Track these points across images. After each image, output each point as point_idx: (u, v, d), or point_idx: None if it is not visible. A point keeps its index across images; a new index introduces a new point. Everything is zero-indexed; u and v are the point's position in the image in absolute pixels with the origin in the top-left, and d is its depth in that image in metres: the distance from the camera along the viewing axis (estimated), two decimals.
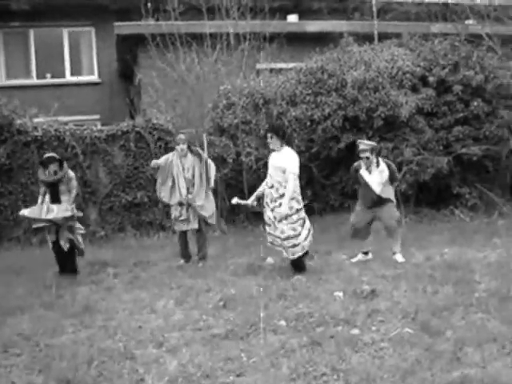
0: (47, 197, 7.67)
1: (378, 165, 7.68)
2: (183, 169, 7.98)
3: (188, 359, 4.55)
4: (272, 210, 7.10)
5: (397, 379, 3.99)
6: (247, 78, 11.90)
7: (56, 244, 7.64)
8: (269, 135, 7.23)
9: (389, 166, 7.77)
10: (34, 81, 17.32)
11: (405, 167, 10.89)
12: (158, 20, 12.18)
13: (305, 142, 11.15)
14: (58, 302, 6.46)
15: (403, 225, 10.40)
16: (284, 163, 7.04)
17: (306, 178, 11.42)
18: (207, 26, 12.00)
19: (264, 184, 7.39)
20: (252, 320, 5.41)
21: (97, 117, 16.62)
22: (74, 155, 10.66)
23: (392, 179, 7.85)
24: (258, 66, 13.25)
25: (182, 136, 8.05)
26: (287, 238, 7.02)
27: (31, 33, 17.33)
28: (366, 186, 7.72)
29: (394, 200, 7.92)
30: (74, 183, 7.84)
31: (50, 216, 7.42)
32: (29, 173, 10.39)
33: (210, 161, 8.26)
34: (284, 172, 7.00)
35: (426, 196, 11.53)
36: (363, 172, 7.71)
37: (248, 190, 10.58)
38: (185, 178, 7.98)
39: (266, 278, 7.06)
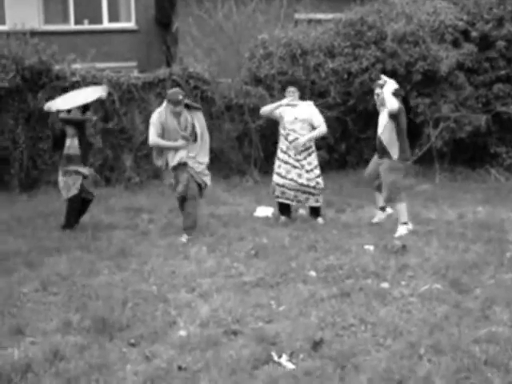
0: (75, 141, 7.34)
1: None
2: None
3: (219, 304, 4.67)
4: (299, 161, 7.41)
5: (424, 333, 4.05)
6: (285, 27, 11.73)
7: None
8: (292, 89, 7.62)
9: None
10: (72, 26, 17.33)
11: (442, 124, 10.73)
12: None
13: (341, 94, 11.03)
14: (95, 244, 6.64)
15: (436, 182, 10.35)
16: (311, 116, 7.47)
17: (341, 131, 11.37)
18: None
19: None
20: (282, 269, 5.50)
21: (134, 64, 16.61)
22: (111, 102, 10.74)
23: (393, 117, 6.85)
24: (297, 16, 13.05)
25: (180, 96, 6.78)
26: (316, 187, 7.46)
27: None
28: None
29: (395, 156, 6.88)
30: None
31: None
32: None
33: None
34: (310, 125, 7.45)
35: (461, 154, 11.38)
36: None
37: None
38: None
39: (297, 229, 7.13)
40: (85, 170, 7.36)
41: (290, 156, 7.44)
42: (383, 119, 6.96)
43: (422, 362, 3.63)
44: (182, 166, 6.81)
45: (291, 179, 7.41)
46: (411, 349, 3.80)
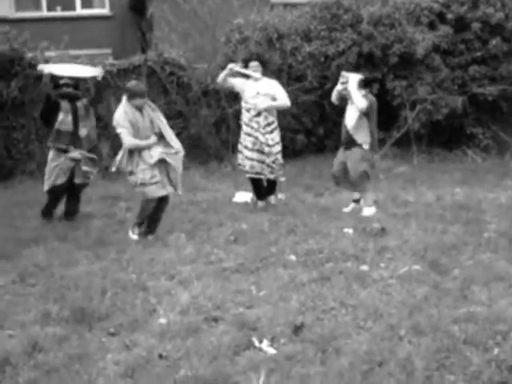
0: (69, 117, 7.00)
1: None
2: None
3: (199, 291, 4.65)
4: (263, 135, 7.43)
5: (404, 315, 4.07)
6: (261, 12, 11.64)
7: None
8: (255, 64, 7.59)
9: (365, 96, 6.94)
10: (44, 13, 17.02)
11: (419, 106, 10.77)
12: None
13: (318, 78, 11.01)
14: (72, 234, 6.56)
15: (414, 164, 10.41)
16: (274, 90, 7.50)
17: (319, 115, 11.35)
18: None
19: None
20: (262, 254, 5.50)
21: (108, 51, 16.37)
22: (85, 89, 10.58)
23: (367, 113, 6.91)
24: (272, 0, 12.96)
25: (144, 86, 6.43)
26: (276, 161, 7.51)
27: None
28: (342, 121, 7.20)
29: (366, 147, 6.98)
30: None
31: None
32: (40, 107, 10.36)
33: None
34: (273, 99, 7.45)
35: (438, 136, 11.44)
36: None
37: None
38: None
39: (277, 213, 7.12)
40: (76, 154, 7.02)
41: (252, 128, 7.46)
42: (353, 112, 6.93)
43: (403, 344, 3.65)
44: (160, 163, 6.23)
45: (258, 150, 7.45)
46: (391, 331, 3.82)
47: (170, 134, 6.34)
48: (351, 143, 6.99)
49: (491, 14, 10.87)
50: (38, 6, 17.11)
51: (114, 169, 6.38)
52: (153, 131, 6.21)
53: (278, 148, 7.57)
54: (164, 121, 6.35)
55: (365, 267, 5.12)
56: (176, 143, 6.35)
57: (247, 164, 7.53)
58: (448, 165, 10.64)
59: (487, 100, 11.06)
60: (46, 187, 7.09)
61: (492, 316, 3.96)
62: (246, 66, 7.65)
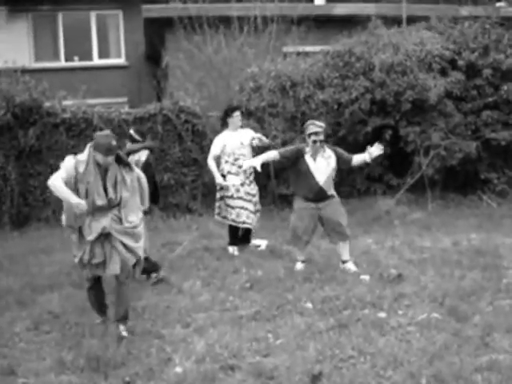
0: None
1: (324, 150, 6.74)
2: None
3: (215, 339, 4.60)
4: (249, 186, 7.71)
5: (424, 363, 4.00)
6: (274, 60, 11.83)
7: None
8: (238, 113, 7.82)
9: (335, 151, 6.80)
10: (62, 63, 17.42)
11: (432, 152, 10.77)
12: (185, 2, 12.15)
13: (332, 125, 11.07)
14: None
15: (429, 210, 10.36)
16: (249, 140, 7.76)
17: None
18: (234, 9, 11.95)
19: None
20: (278, 302, 5.45)
21: (124, 99, 16.68)
22: None
23: (342, 163, 6.81)
24: (285, 49, 13.16)
25: (113, 141, 4.81)
26: (259, 211, 7.88)
27: (60, 16, 17.40)
28: (307, 175, 6.64)
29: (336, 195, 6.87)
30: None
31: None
32: (57, 154, 10.48)
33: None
34: (251, 148, 7.79)
35: (453, 181, 11.40)
36: (308, 158, 6.66)
37: (274, 173, 10.60)
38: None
39: (292, 260, 7.08)
40: None
41: (240, 178, 7.63)
42: (327, 166, 6.66)
43: None
44: (104, 236, 4.83)
45: (243, 198, 7.63)
46: (412, 379, 3.75)
47: (131, 207, 4.93)
48: (325, 196, 6.69)
49: (501, 60, 10.97)
50: (56, 57, 17.53)
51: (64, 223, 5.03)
52: (114, 197, 4.84)
53: (257, 196, 7.87)
54: (135, 189, 5.02)
55: (382, 314, 5.06)
56: (135, 217, 4.94)
57: (233, 213, 7.64)
58: (463, 210, 10.57)
59: (500, 145, 11.05)
60: None
61: None
62: (228, 116, 7.80)
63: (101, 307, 5.22)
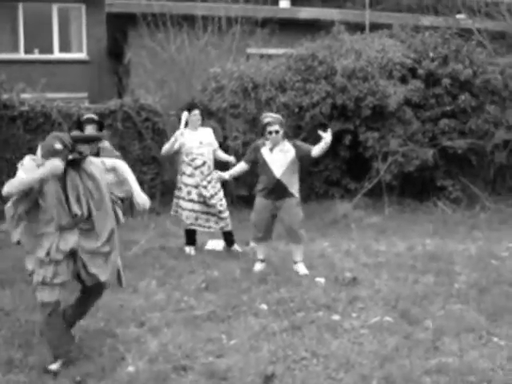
0: None
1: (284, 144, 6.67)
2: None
3: (169, 339, 4.58)
4: (205, 187, 7.48)
5: (375, 365, 4.05)
6: (237, 61, 11.84)
7: None
8: (197, 112, 7.69)
9: (294, 144, 6.69)
10: (22, 56, 17.12)
11: (390, 158, 10.94)
12: None
13: (292, 128, 11.13)
14: None
15: (385, 215, 10.51)
16: (211, 139, 7.73)
17: None
18: (199, 8, 11.94)
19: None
20: (234, 303, 5.45)
21: (84, 95, 16.46)
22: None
23: (302, 157, 6.66)
24: (249, 51, 13.20)
25: (57, 143, 4.00)
26: (223, 211, 7.57)
27: (20, 7, 17.10)
28: (264, 167, 6.64)
29: (298, 196, 6.75)
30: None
31: None
32: (13, 148, 10.28)
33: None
34: (213, 149, 7.71)
35: (409, 187, 11.59)
36: (264, 150, 6.65)
37: None
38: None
39: (249, 261, 7.09)
40: None
41: (196, 179, 7.51)
42: (284, 159, 6.59)
43: None
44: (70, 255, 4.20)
45: (203, 202, 7.50)
46: (363, 381, 3.80)
47: (102, 225, 4.33)
48: (283, 194, 6.61)
49: (460, 70, 11.21)
50: (15, 48, 17.21)
51: (14, 240, 4.33)
52: (80, 214, 4.14)
53: (221, 195, 7.64)
54: (103, 198, 4.32)
55: (336, 317, 5.11)
56: (103, 238, 4.35)
57: (191, 217, 7.56)
58: (419, 216, 10.75)
59: (457, 153, 11.29)
60: None
61: (463, 367, 3.97)
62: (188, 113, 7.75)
63: (69, 341, 4.26)
